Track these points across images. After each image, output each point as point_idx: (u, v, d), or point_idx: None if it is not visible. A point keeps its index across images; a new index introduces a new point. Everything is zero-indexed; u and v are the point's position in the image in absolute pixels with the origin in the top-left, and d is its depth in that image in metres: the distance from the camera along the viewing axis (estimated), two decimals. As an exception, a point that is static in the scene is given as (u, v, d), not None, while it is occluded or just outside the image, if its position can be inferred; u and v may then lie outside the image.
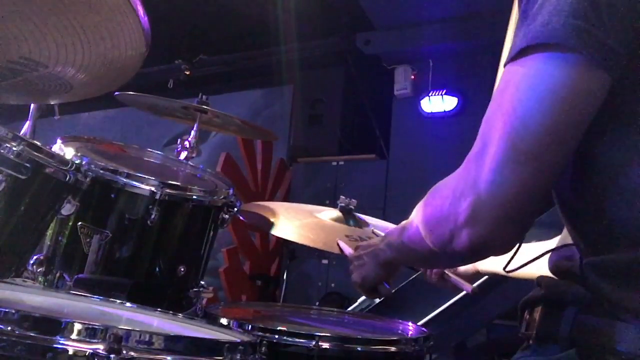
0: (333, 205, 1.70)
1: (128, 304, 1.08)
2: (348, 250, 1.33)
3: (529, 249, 0.98)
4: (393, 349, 1.20)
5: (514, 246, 0.80)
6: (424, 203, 0.88)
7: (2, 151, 1.06)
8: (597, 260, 0.77)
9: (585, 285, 0.79)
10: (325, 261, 4.63)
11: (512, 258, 0.92)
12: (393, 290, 1.19)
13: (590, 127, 0.72)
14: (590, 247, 0.80)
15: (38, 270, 1.30)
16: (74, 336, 0.68)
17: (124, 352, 0.68)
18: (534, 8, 0.73)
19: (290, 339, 1.13)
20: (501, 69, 0.97)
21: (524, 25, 0.74)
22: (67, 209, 1.25)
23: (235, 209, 1.54)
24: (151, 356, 0.71)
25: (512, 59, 0.74)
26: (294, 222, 1.61)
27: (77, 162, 1.24)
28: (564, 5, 0.69)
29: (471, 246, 0.76)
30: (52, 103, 1.84)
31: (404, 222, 1.01)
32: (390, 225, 1.75)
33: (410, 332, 1.46)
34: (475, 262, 1.41)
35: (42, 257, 1.31)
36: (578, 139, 0.72)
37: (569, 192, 0.80)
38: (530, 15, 0.73)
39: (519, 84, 0.72)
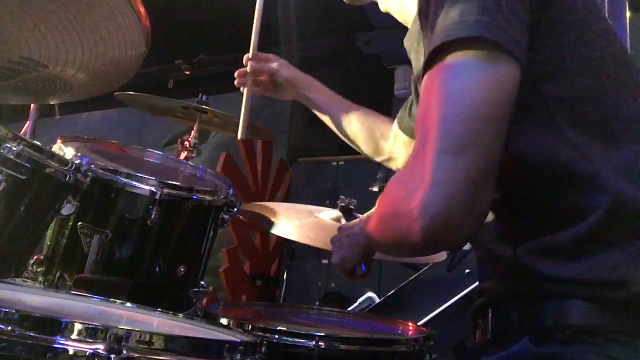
0: (333, 205, 1.70)
1: (128, 304, 1.08)
2: None
3: None
4: (393, 349, 1.20)
5: (470, 237, 0.82)
6: (381, 199, 0.90)
7: (2, 151, 1.06)
8: (536, 243, 0.83)
9: (521, 273, 0.85)
10: (325, 261, 4.63)
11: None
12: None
13: (513, 116, 0.78)
14: (528, 232, 0.85)
15: (38, 270, 1.30)
16: (74, 336, 0.68)
17: (124, 352, 0.68)
18: (439, 18, 0.78)
19: (290, 339, 1.13)
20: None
21: (432, 34, 0.79)
22: (67, 209, 1.25)
23: (235, 209, 1.54)
24: (151, 356, 0.71)
25: (430, 61, 0.79)
26: (294, 222, 1.61)
27: (77, 162, 1.24)
28: (472, 7, 0.76)
29: (426, 240, 0.77)
30: (52, 103, 1.84)
31: (371, 211, 1.03)
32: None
33: (410, 332, 1.46)
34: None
35: (42, 257, 1.31)
36: (506, 124, 0.77)
37: (508, 180, 0.84)
38: (438, 23, 0.78)
39: (444, 80, 0.77)
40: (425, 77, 0.81)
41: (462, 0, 0.77)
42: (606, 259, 0.79)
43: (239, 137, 1.59)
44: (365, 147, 1.59)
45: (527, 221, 0.87)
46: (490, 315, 0.92)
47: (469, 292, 2.21)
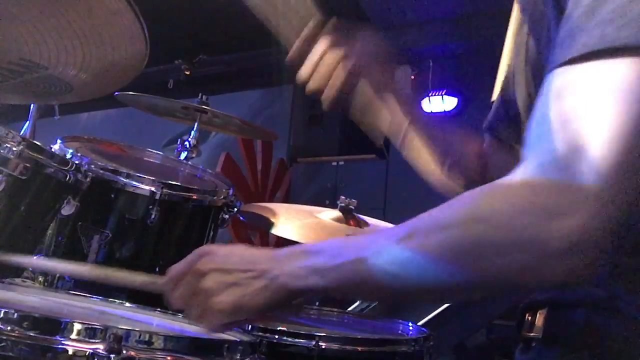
0: (333, 205, 1.70)
1: (128, 304, 1.08)
2: None
3: None
4: (393, 349, 1.20)
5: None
6: (474, 217, 0.64)
7: (2, 151, 1.06)
8: (632, 262, 0.72)
9: (605, 286, 0.75)
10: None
11: None
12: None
13: None
14: (623, 247, 0.71)
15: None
16: (73, 336, 0.68)
17: (124, 351, 0.68)
18: (608, 5, 0.64)
19: (290, 339, 1.13)
20: (512, 69, 0.92)
21: (597, 16, 0.64)
22: (67, 209, 1.25)
23: (235, 209, 1.54)
24: (151, 356, 0.71)
25: (594, 55, 0.63)
26: (294, 222, 1.61)
27: (77, 162, 1.24)
28: None
29: (564, 280, 0.61)
30: (52, 103, 1.84)
31: (368, 239, 0.73)
32: (390, 226, 1.75)
33: (410, 332, 1.46)
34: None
35: (42, 257, 1.31)
36: None
37: None
38: (611, 5, 0.64)
39: (619, 85, 0.61)
40: (584, 66, 0.63)
41: None
42: None
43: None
44: None
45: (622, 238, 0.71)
46: (546, 314, 0.82)
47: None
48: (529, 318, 0.87)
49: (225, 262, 0.77)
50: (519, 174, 0.63)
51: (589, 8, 0.65)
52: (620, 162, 0.58)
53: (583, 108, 0.61)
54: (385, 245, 0.68)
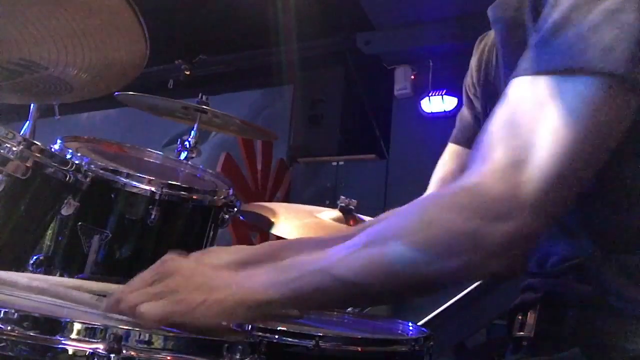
0: (333, 205, 1.70)
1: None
2: None
3: None
4: (393, 349, 1.20)
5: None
6: (423, 226, 0.69)
7: (2, 151, 1.06)
8: (620, 258, 0.77)
9: (595, 283, 0.78)
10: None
11: None
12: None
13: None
14: (610, 246, 0.79)
15: (38, 270, 1.30)
16: (73, 336, 0.68)
17: (124, 351, 0.68)
18: (583, 24, 0.67)
19: (290, 339, 1.12)
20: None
21: (562, 36, 0.68)
22: (67, 209, 1.25)
23: (235, 209, 1.54)
24: (151, 355, 0.71)
25: (554, 71, 0.68)
26: (294, 222, 1.61)
27: (77, 162, 1.24)
28: (631, 32, 0.65)
29: (501, 273, 0.68)
30: (52, 103, 1.85)
31: (315, 257, 0.75)
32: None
33: (410, 332, 1.46)
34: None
35: (42, 257, 1.31)
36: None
37: (596, 195, 0.78)
38: (576, 28, 0.68)
39: (572, 103, 0.66)
40: (543, 80, 0.68)
41: (615, 13, 0.66)
42: None
43: None
44: None
45: (618, 234, 0.79)
46: (537, 313, 0.86)
47: (469, 292, 2.21)
48: (520, 318, 0.89)
49: (190, 270, 0.78)
50: (465, 181, 0.70)
51: (556, 26, 0.69)
52: (558, 178, 0.65)
53: (532, 123, 0.67)
54: (343, 255, 0.71)
